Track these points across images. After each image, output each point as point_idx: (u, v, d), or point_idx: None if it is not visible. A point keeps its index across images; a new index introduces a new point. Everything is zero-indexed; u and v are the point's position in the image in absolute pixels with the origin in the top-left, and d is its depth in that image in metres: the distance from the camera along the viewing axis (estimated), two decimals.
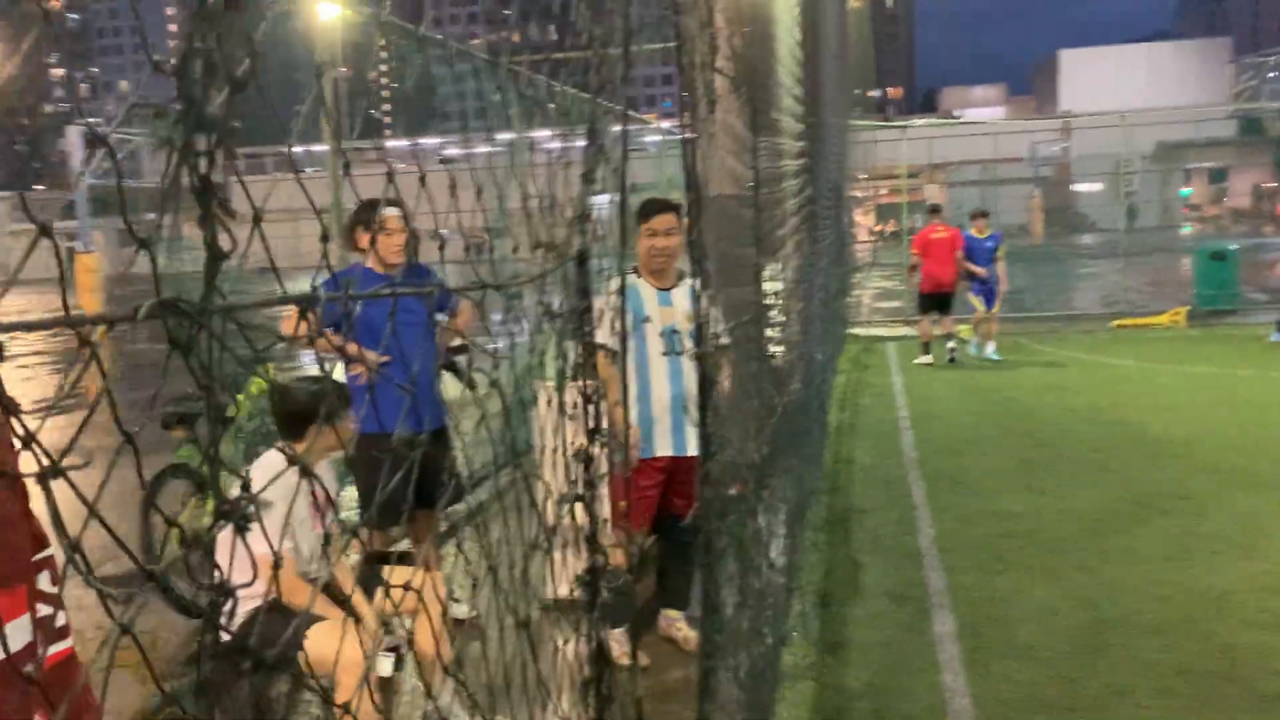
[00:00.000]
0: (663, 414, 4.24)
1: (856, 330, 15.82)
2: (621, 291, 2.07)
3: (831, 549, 5.69)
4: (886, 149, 21.04)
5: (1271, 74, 26.09)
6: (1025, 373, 11.41)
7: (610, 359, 3.61)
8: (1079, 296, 20.41)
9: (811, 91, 7.96)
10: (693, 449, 4.31)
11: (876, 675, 4.13)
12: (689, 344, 4.06)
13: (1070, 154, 45.63)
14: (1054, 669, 4.12)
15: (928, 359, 12.09)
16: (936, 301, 12.23)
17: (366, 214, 4.29)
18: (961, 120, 50.14)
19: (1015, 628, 4.53)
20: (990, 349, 12.30)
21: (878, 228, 47.97)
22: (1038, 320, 16.60)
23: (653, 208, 4.35)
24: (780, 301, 5.73)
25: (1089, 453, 7.61)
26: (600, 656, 1.82)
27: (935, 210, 12.94)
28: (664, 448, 4.26)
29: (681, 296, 4.23)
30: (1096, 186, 45.09)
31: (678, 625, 4.48)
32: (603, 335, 3.77)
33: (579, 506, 1.84)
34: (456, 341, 4.60)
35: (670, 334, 4.27)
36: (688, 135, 2.63)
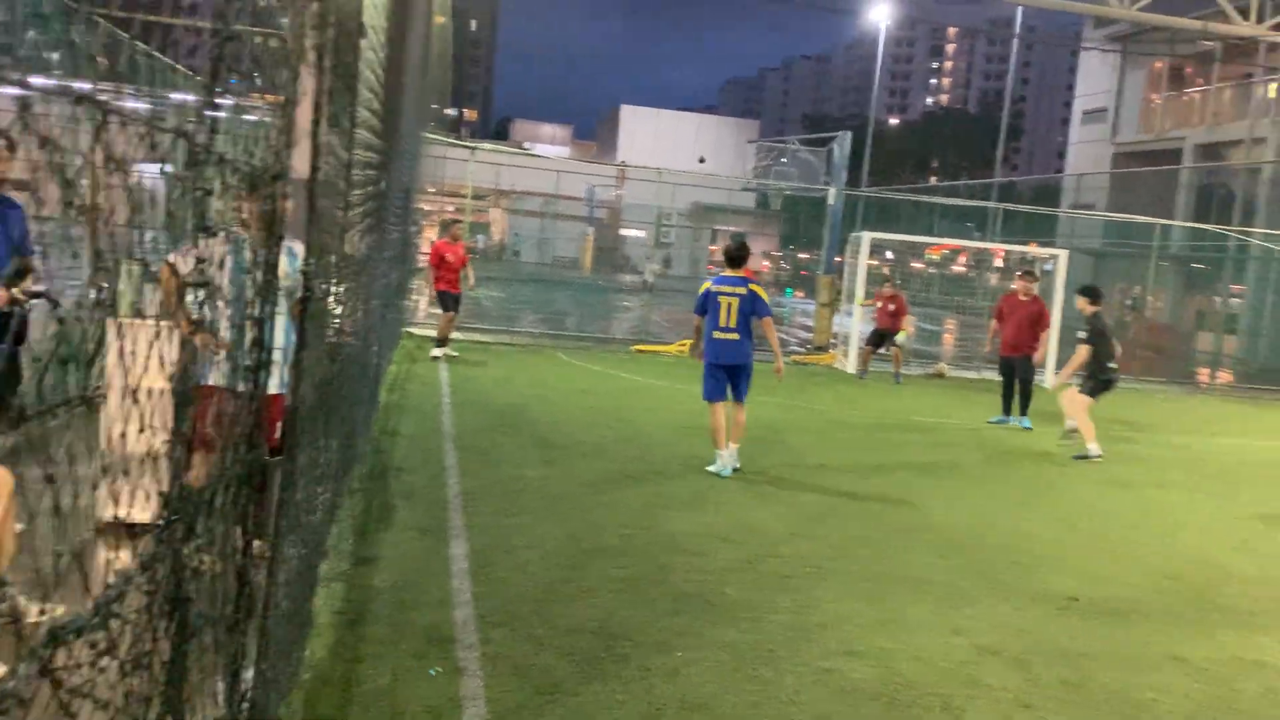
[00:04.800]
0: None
1: (412, 329, 16.72)
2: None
3: (370, 495, 6.53)
4: (457, 167, 22.24)
5: (783, 159, 30.89)
6: (556, 377, 13.00)
7: (177, 281, 4.13)
8: (612, 324, 22.96)
9: (391, 95, 8.78)
10: (274, 389, 4.95)
11: (398, 580, 5.04)
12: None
13: (622, 200, 50.24)
14: (539, 577, 5.29)
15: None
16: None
17: None
18: (529, 152, 53.14)
19: (516, 552, 5.67)
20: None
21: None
22: (575, 339, 18.61)
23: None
24: (337, 285, 6.47)
25: (595, 438, 9.15)
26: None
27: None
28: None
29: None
30: (641, 233, 49.99)
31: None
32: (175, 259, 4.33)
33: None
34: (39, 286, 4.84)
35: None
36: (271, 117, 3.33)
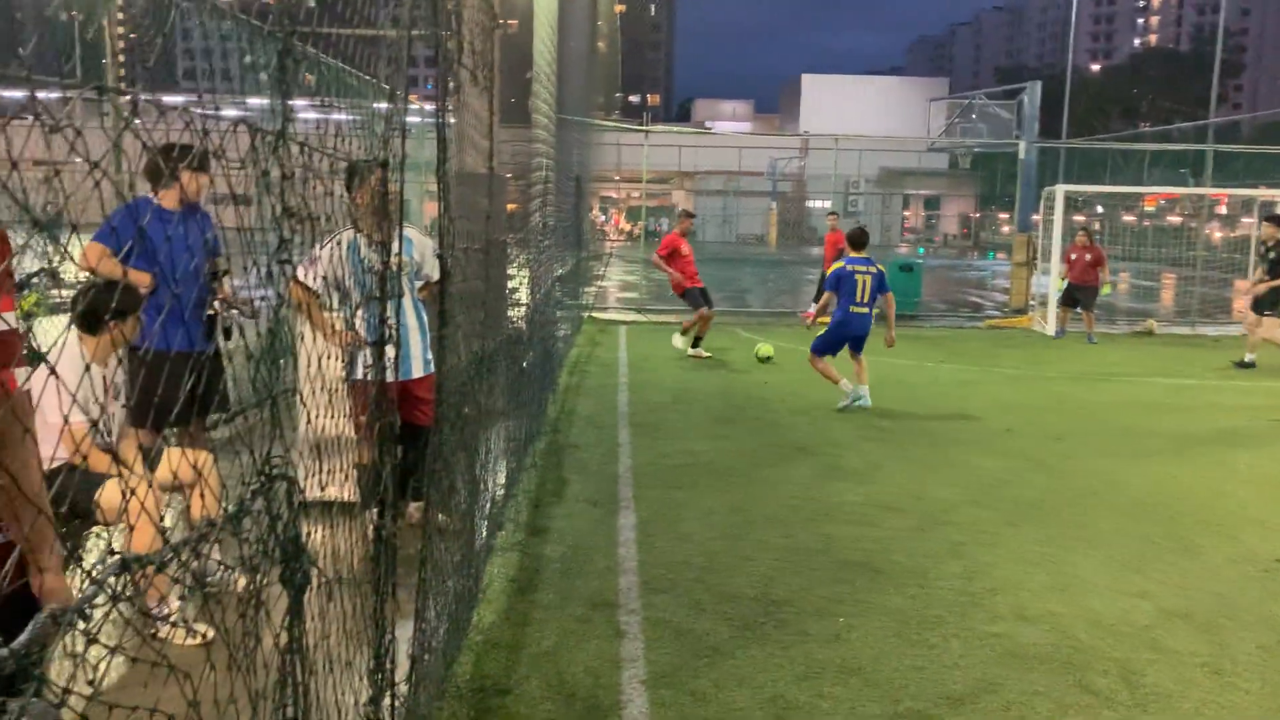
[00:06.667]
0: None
1: (596, 314, 17.15)
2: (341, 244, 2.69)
3: (546, 470, 6.81)
4: (633, 153, 22.56)
5: (972, 115, 29.70)
6: (731, 355, 13.04)
7: (310, 294, 4.48)
8: (799, 299, 22.75)
9: (560, 89, 9.07)
10: (418, 372, 5.29)
11: (569, 549, 5.26)
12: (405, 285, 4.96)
13: (805, 172, 49.54)
14: (703, 547, 5.39)
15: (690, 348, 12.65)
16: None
17: (170, 156, 4.86)
18: (706, 130, 53.12)
19: (681, 523, 5.79)
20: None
21: (626, 227, 50.12)
22: (758, 315, 18.58)
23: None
24: (520, 275, 6.78)
25: (764, 413, 9.16)
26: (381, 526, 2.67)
27: (688, 215, 13.93)
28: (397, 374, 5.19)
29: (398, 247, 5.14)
30: (827, 203, 49.27)
31: (415, 509, 5.42)
32: (303, 274, 4.62)
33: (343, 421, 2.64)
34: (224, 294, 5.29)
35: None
36: (444, 119, 3.57)
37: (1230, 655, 4.20)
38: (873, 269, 9.46)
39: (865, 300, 9.40)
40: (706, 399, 9.81)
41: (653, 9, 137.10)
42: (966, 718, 3.64)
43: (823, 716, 3.62)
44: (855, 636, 4.29)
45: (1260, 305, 12.61)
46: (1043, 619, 4.52)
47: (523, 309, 6.80)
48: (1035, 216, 19.29)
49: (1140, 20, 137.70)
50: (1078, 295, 15.76)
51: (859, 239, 9.76)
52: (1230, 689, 3.89)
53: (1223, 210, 28.22)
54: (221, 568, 3.59)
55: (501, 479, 5.76)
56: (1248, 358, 12.82)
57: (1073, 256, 15.83)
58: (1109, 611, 4.62)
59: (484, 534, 4.87)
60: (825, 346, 9.60)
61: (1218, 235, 29.06)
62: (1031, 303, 18.29)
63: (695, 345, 12.63)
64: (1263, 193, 18.51)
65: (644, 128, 20.66)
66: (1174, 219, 33.23)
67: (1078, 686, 3.87)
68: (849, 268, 9.44)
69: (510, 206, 6.93)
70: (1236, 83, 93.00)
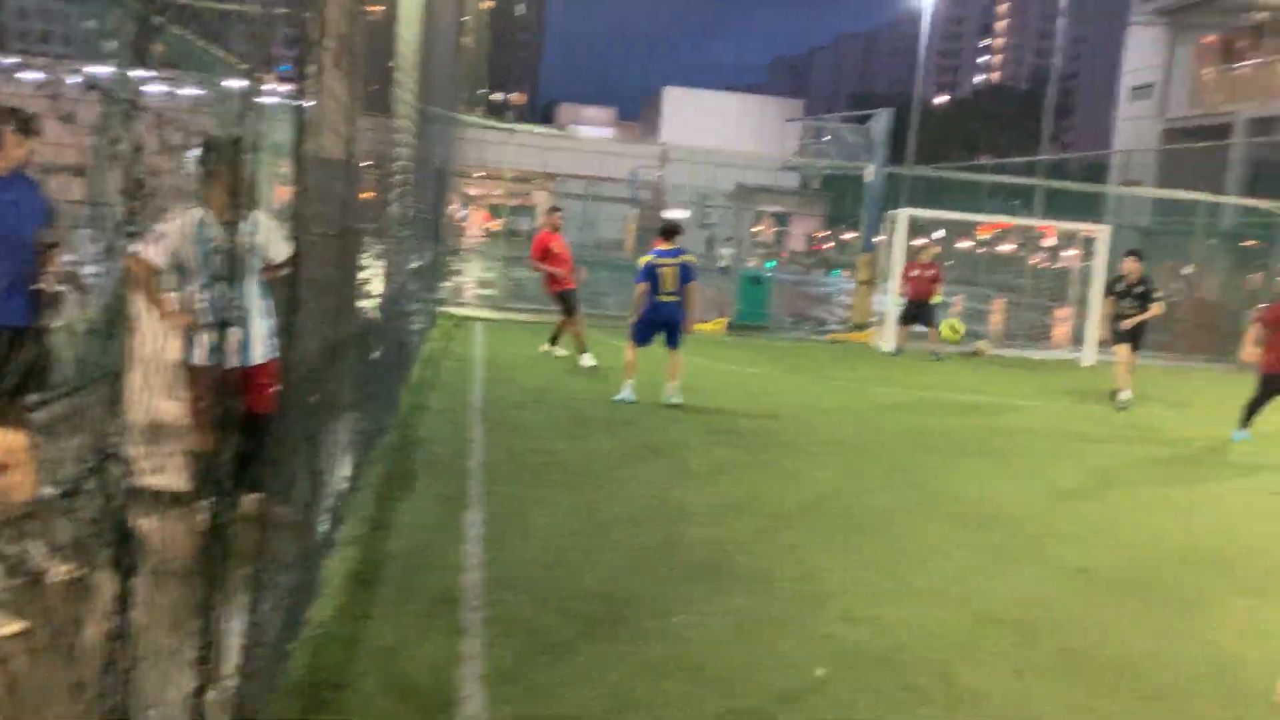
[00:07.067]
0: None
1: (453, 310, 16.94)
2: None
3: (395, 464, 6.70)
4: (501, 151, 22.42)
5: (826, 138, 30.65)
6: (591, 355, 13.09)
7: (151, 272, 4.30)
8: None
9: (424, 80, 8.93)
10: (260, 357, 5.13)
11: (414, 545, 5.20)
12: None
13: (665, 182, 50.10)
14: (551, 545, 5.42)
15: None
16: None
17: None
18: (569, 134, 53.21)
19: (530, 520, 5.80)
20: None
21: (494, 225, 49.54)
22: (615, 318, 18.72)
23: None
24: (375, 264, 6.65)
25: (623, 413, 9.26)
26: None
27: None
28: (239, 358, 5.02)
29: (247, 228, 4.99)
30: (685, 214, 49.92)
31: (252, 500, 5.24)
32: (146, 249, 4.42)
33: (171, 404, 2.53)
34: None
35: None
36: (302, 100, 3.47)
37: (1036, 657, 4.50)
38: (678, 260, 9.83)
39: (670, 290, 9.77)
40: (565, 399, 9.84)
41: (524, 7, 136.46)
42: (796, 714, 3.78)
43: (660, 712, 3.69)
44: (695, 635, 4.39)
45: (1122, 336, 12.24)
46: (870, 621, 4.73)
47: (376, 299, 6.68)
48: (879, 238, 20.12)
49: (984, 58, 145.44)
50: (918, 313, 16.47)
51: (667, 230, 10.15)
52: (1033, 687, 4.17)
53: (1050, 241, 29.96)
54: (44, 552, 3.41)
55: (347, 471, 5.63)
56: (1123, 395, 12.09)
57: (914, 273, 16.56)
58: (931, 616, 4.88)
59: (325, 527, 4.77)
60: (636, 334, 10.07)
61: (1045, 265, 30.94)
62: (872, 320, 19.04)
63: (553, 343, 12.67)
64: (1085, 227, 19.77)
65: (510, 126, 20.55)
66: (1005, 248, 35.13)
67: (898, 685, 4.07)
68: (654, 260, 9.86)
69: (366, 195, 6.79)
70: (1067, 123, 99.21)
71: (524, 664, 3.97)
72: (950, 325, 13.70)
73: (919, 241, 19.06)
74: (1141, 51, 37.79)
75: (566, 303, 12.33)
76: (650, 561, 5.30)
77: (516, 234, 32.91)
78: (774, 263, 49.25)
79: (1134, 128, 37.05)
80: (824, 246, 54.33)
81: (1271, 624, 5.18)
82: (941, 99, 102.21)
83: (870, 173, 20.79)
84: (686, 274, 9.85)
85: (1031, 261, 31.88)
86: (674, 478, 7.11)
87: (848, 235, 49.21)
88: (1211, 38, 33.62)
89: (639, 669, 4.01)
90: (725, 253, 33.93)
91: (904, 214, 18.07)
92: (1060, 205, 30.51)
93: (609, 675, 3.93)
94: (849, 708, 3.86)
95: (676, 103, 62.45)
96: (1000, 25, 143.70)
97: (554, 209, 13.24)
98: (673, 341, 9.92)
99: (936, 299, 16.71)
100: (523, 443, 7.76)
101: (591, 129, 63.37)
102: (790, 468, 7.77)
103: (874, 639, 4.52)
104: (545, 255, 12.34)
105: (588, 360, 11.88)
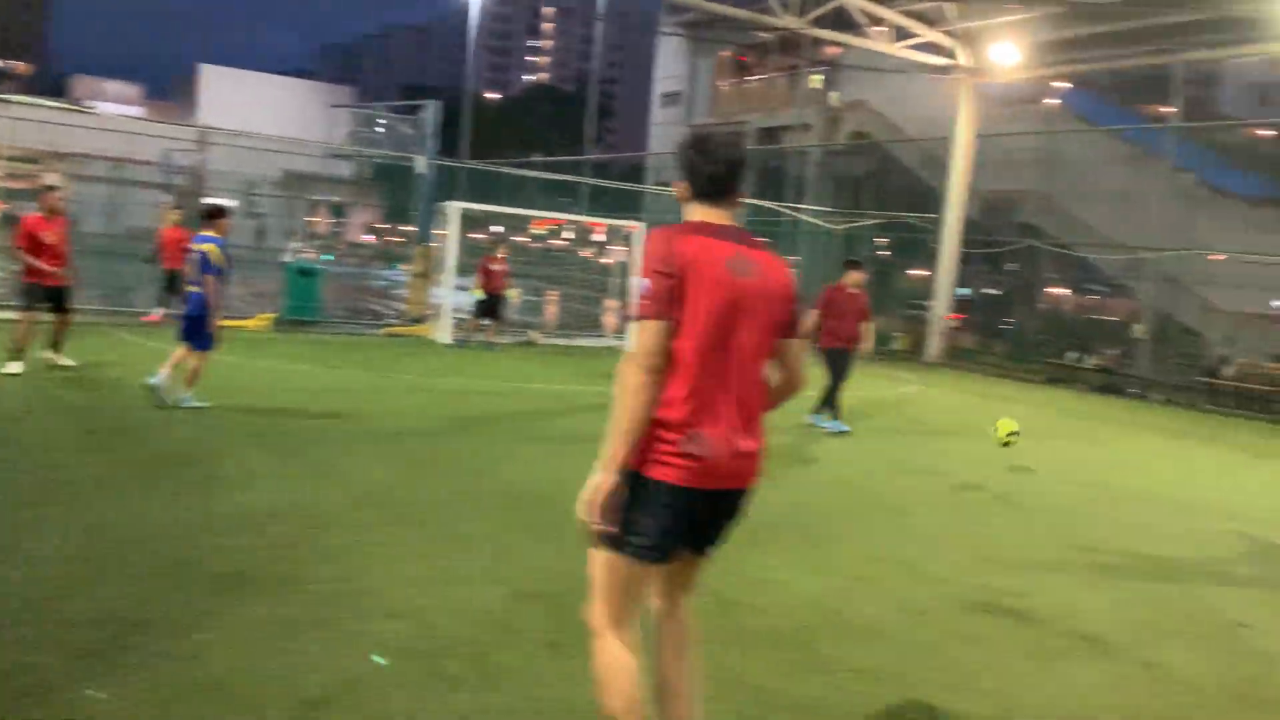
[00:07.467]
0: None
1: None
2: None
3: None
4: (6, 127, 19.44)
5: (378, 127, 30.23)
6: (115, 356, 11.81)
7: None
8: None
9: None
10: None
11: None
12: None
13: (205, 166, 46.49)
14: (51, 572, 4.79)
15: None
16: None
17: None
18: (87, 110, 47.61)
19: (26, 546, 5.10)
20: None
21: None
22: (134, 314, 17.08)
23: None
24: None
25: (150, 419, 8.44)
26: None
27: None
28: None
29: None
30: (234, 202, 46.70)
31: None
32: None
33: None
34: None
35: None
36: None
37: (570, 630, 4.72)
38: (198, 249, 9.23)
39: (193, 279, 9.34)
40: (77, 409, 8.76)
41: None
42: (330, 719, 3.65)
43: None
44: (218, 652, 4.09)
45: None
46: (410, 613, 4.71)
47: None
48: (439, 231, 20.21)
49: (533, 59, 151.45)
50: (494, 306, 17.16)
51: (204, 213, 9.67)
52: (566, 661, 4.38)
53: (600, 237, 31.91)
54: None
55: None
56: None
57: (492, 268, 17.23)
58: (471, 600, 4.96)
59: None
60: (202, 335, 9.41)
61: (594, 258, 32.89)
62: (428, 313, 19.09)
63: (55, 349, 10.80)
64: (628, 223, 21.25)
65: (5, 97, 17.88)
66: (559, 242, 36.91)
67: (432, 674, 4.08)
68: (197, 247, 9.33)
69: None
70: (610, 125, 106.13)
71: (4, 712, 3.45)
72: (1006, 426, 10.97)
73: (490, 236, 19.48)
74: (670, 61, 41.44)
75: (57, 301, 10.70)
76: (169, 580, 4.86)
77: (15, 219, 28.90)
78: (332, 255, 47.70)
79: (664, 132, 40.51)
80: (383, 239, 53.68)
81: (774, 572, 5.87)
82: (493, 95, 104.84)
83: (422, 164, 20.79)
84: (205, 265, 9.21)
85: (582, 254, 33.81)
86: (204, 487, 6.60)
87: (408, 228, 48.99)
88: (726, 52, 37.68)
89: (153, 697, 3.65)
90: (293, 245, 32.20)
91: (456, 207, 18.28)
92: (605, 203, 32.63)
93: (115, 710, 3.54)
94: (385, 703, 3.80)
95: (215, 83, 58.25)
96: (547, 27, 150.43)
97: (49, 188, 11.03)
98: (183, 334, 9.33)
99: (510, 294, 17.46)
100: (26, 457, 6.81)
101: (116, 106, 57.20)
102: (342, 466, 7.54)
103: (414, 631, 4.50)
104: (34, 245, 10.47)
105: (15, 368, 10.12)
